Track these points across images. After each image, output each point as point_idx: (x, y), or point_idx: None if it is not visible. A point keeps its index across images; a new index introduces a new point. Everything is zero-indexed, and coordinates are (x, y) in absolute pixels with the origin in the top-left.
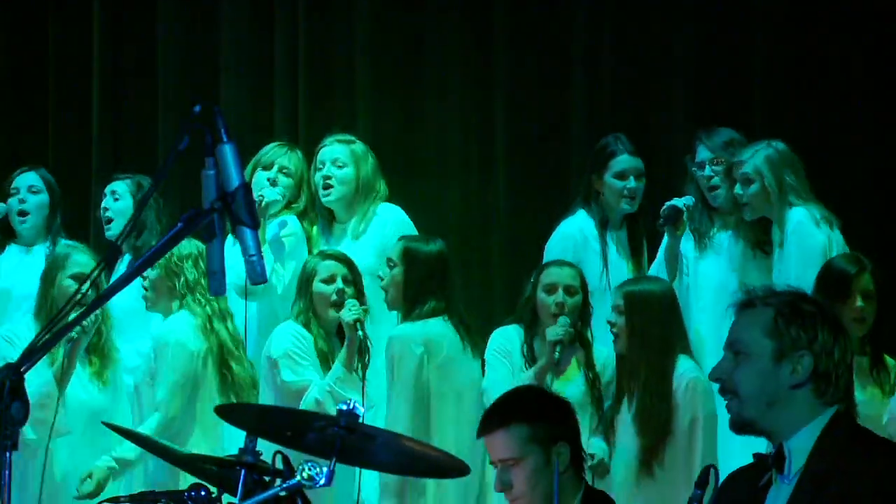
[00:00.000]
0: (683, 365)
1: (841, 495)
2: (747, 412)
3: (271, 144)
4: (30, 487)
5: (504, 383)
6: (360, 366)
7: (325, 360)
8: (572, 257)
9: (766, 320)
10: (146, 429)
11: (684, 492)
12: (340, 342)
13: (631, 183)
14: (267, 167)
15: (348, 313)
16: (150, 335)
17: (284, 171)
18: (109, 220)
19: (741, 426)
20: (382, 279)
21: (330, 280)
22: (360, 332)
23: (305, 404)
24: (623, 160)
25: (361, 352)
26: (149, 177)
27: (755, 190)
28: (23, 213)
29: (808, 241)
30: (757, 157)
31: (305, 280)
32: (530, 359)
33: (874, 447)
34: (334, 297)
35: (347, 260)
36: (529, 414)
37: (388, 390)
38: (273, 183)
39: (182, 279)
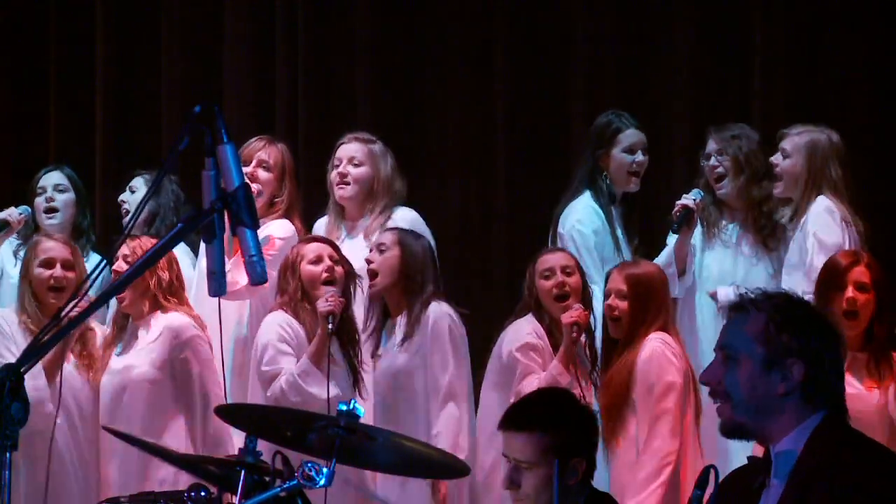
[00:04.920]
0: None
1: (829, 497)
2: (739, 417)
3: (253, 139)
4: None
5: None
6: (352, 355)
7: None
8: (596, 239)
9: (757, 326)
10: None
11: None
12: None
13: (639, 157)
14: (245, 162)
15: (322, 304)
16: (159, 334)
17: (264, 165)
18: (127, 213)
19: (731, 430)
20: (371, 262)
21: (317, 260)
22: (330, 326)
23: (272, 391)
24: (631, 134)
25: (345, 344)
26: (172, 175)
27: (786, 166)
28: (50, 210)
29: (827, 232)
30: (802, 136)
31: (291, 265)
32: (551, 344)
33: (862, 449)
34: (325, 274)
35: (330, 241)
36: (556, 424)
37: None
38: (251, 177)
39: (156, 278)
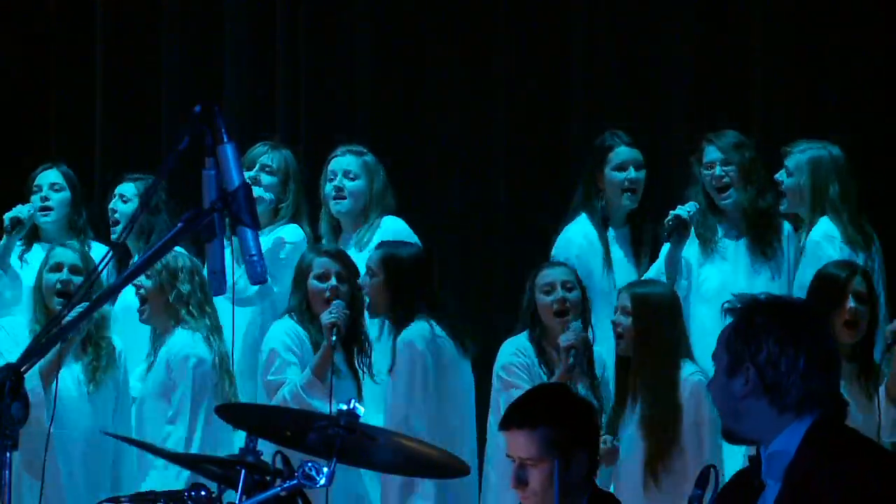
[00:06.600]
0: (687, 369)
1: (824, 496)
2: (724, 423)
3: (257, 144)
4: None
5: None
6: (363, 365)
7: None
8: (578, 263)
9: (726, 333)
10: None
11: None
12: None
13: (631, 174)
14: (249, 167)
15: (327, 315)
16: (164, 350)
17: (267, 169)
18: (116, 223)
19: (724, 435)
20: (363, 287)
21: (324, 277)
22: (334, 338)
23: (275, 401)
24: (622, 152)
25: (358, 351)
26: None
27: (790, 184)
28: (45, 209)
29: (821, 258)
30: (805, 154)
31: (300, 275)
32: (544, 364)
33: (853, 448)
34: (328, 294)
35: (343, 257)
36: (556, 417)
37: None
38: (254, 182)
39: (175, 292)
